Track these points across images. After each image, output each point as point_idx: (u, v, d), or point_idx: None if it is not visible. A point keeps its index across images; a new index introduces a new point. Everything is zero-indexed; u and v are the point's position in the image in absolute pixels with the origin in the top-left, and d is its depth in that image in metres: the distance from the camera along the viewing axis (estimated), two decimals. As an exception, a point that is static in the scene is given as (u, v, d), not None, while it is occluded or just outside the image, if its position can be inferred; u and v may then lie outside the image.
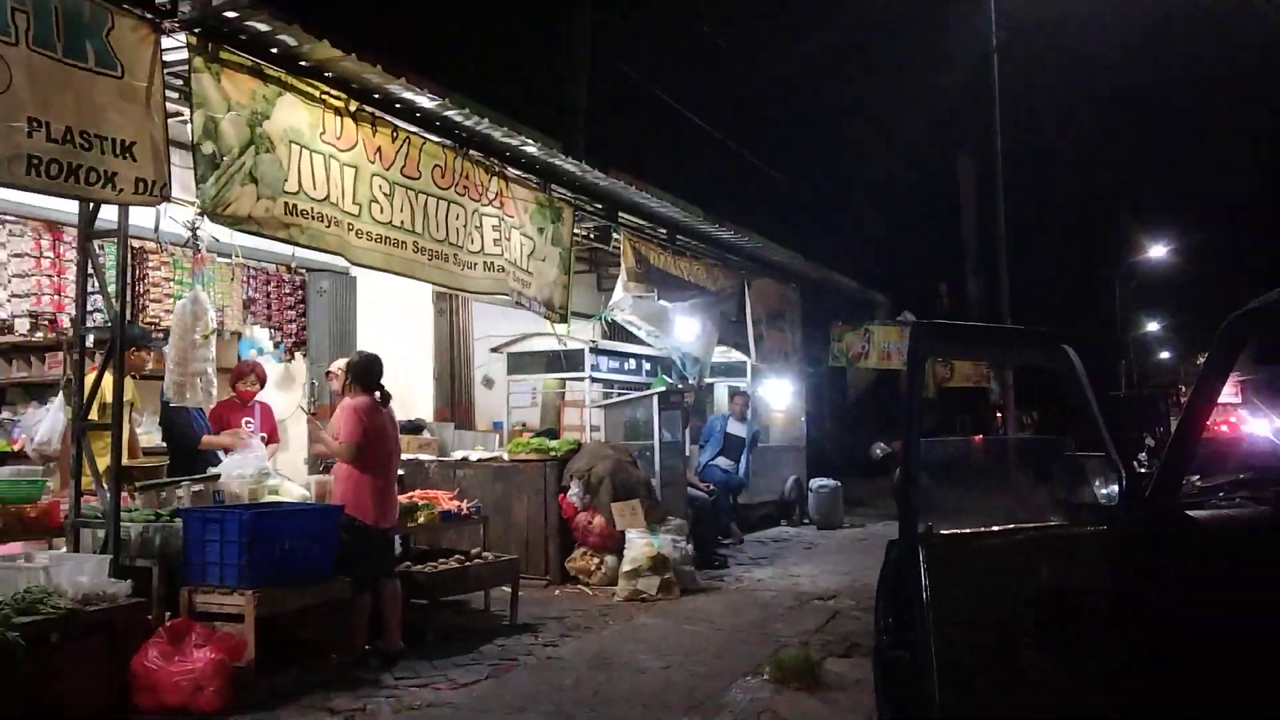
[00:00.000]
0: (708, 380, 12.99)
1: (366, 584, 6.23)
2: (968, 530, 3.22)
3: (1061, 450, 4.72)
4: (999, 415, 21.80)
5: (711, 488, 11.26)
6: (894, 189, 26.06)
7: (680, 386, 11.29)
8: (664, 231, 11.50)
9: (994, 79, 18.36)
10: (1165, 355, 49.54)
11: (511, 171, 8.66)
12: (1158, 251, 36.64)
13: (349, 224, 7.08)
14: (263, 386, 8.17)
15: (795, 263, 15.65)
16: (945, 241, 27.15)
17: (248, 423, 7.71)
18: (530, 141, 8.40)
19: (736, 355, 13.54)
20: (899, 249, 25.49)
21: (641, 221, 11.05)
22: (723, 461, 11.79)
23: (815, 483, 14.44)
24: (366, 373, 6.56)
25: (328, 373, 7.78)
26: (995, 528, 3.30)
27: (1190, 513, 3.54)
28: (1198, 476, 5.44)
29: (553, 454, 9.27)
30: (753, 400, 12.94)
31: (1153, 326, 45.61)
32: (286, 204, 6.53)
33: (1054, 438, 17.19)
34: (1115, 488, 3.45)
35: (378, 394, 6.54)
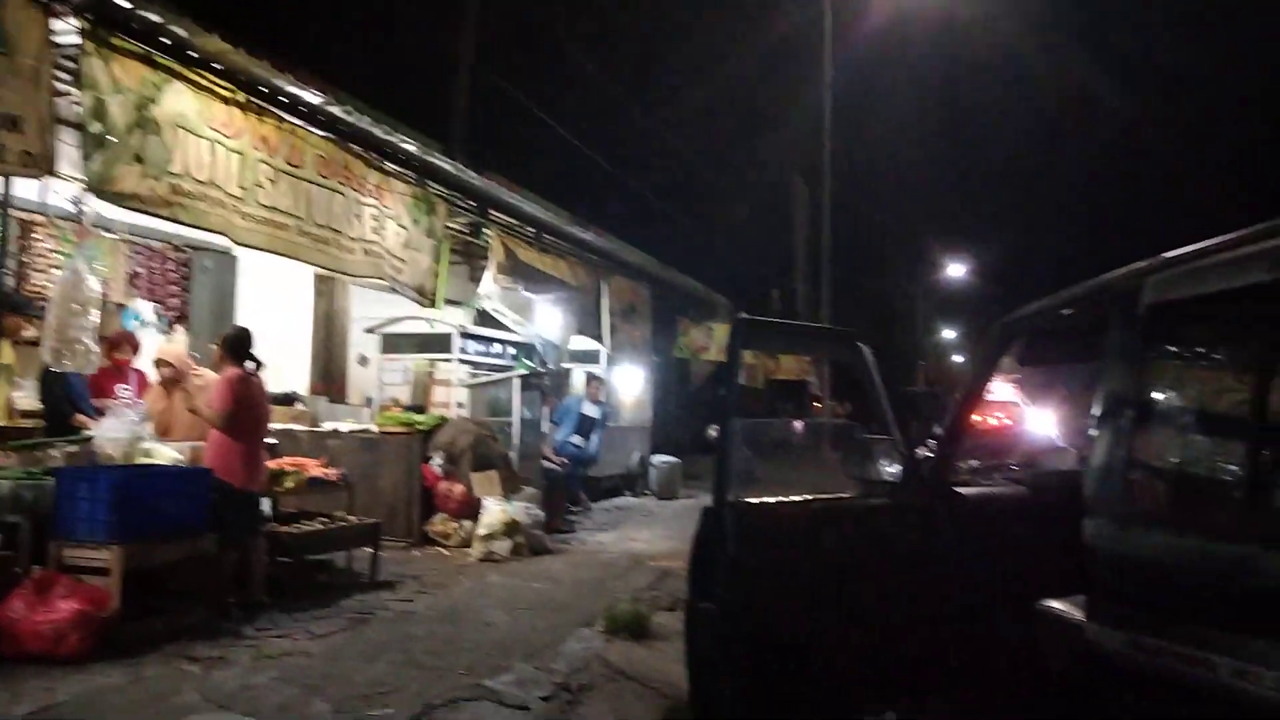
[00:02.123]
0: (566, 365, 12.98)
1: (232, 542, 5.99)
2: (770, 500, 3.30)
3: (854, 434, 4.89)
4: (817, 404, 22.51)
5: (565, 461, 11.27)
6: (738, 205, 26.58)
7: (541, 370, 11.24)
8: (532, 230, 11.42)
9: (826, 114, 18.88)
10: (958, 359, 52.14)
11: (390, 166, 8.45)
12: (956, 270, 38.51)
13: (234, 206, 6.78)
14: (137, 355, 7.71)
15: (649, 264, 15.79)
16: (780, 253, 27.85)
17: (124, 389, 7.28)
18: (408, 140, 8.22)
19: (593, 343, 13.57)
20: (740, 258, 26.02)
21: (511, 220, 10.94)
22: (576, 439, 11.79)
23: (657, 459, 14.61)
24: (238, 345, 6.31)
25: (156, 360, 7.16)
26: (794, 498, 3.40)
27: (959, 489, 3.74)
28: (977, 461, 5.74)
29: (419, 427, 9.09)
30: (605, 385, 12.99)
31: (949, 334, 47.88)
32: (171, 184, 6.22)
33: (850, 423, 17.93)
34: (898, 467, 3.59)
35: (248, 365, 6.27)
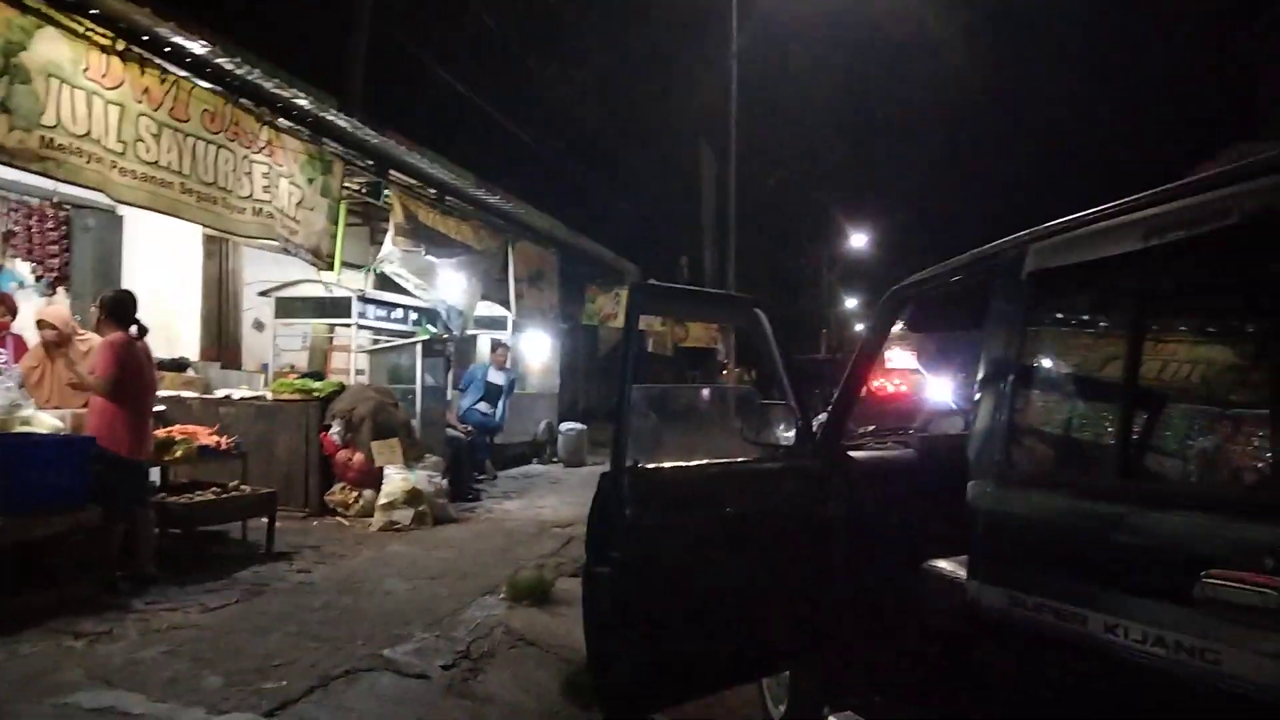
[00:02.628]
0: (471, 332, 12.81)
1: (119, 513, 5.76)
2: (668, 464, 3.32)
3: (752, 399, 4.95)
4: (725, 371, 22.79)
5: (470, 429, 11.16)
6: (647, 171, 26.52)
7: (444, 336, 11.08)
8: (434, 191, 11.19)
9: (732, 84, 18.93)
10: (860, 327, 53.38)
11: (283, 122, 8.16)
12: (859, 241, 39.31)
13: (112, 161, 6.45)
14: (14, 318, 7.30)
15: (556, 230, 15.66)
16: (688, 221, 27.95)
17: (-2, 354, 6.89)
18: (301, 95, 7.94)
19: (499, 310, 13.43)
20: (650, 225, 26.02)
21: (412, 181, 10.70)
22: (482, 406, 11.69)
23: (565, 426, 14.59)
24: (120, 308, 6.01)
25: (38, 321, 6.66)
26: (691, 463, 3.43)
27: (851, 452, 3.82)
28: (873, 425, 5.87)
29: (316, 394, 8.87)
30: (512, 352, 12.89)
31: (852, 303, 48.91)
32: (43, 137, 5.88)
33: (749, 389, 18.22)
34: (793, 431, 3.65)
35: (133, 329, 6.00)
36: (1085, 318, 2.73)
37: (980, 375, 2.72)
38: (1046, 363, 2.71)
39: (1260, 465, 2.41)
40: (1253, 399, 2.55)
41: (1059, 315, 2.72)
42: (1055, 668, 2.32)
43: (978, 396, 2.72)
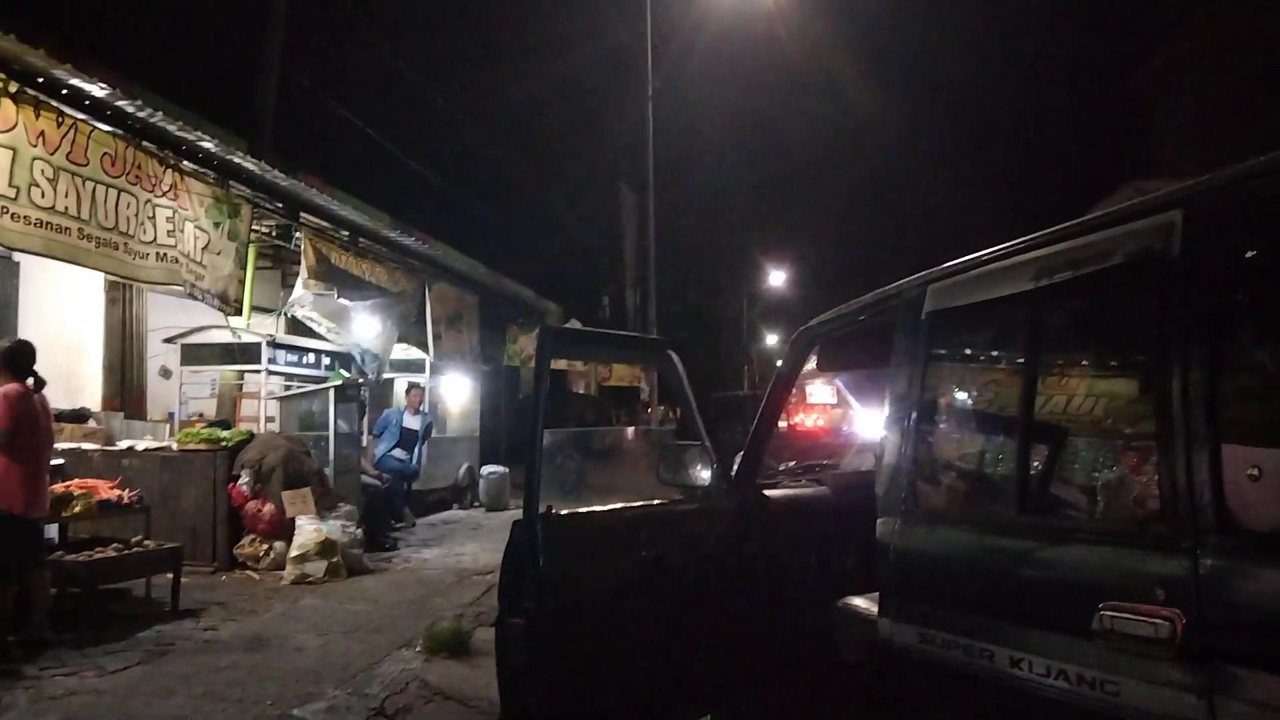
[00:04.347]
0: (387, 375, 12.59)
1: (11, 573, 5.47)
2: (582, 509, 3.29)
3: (668, 441, 4.96)
4: (649, 411, 22.80)
5: (386, 476, 10.94)
6: (568, 211, 26.64)
7: (358, 381, 10.87)
8: (347, 233, 11.03)
9: (649, 123, 19.18)
10: (780, 363, 53.95)
11: (188, 165, 7.97)
12: (778, 278, 39.95)
13: (3, 207, 6.21)
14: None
15: (476, 270, 15.56)
16: (610, 260, 28.08)
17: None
18: (207, 137, 7.78)
19: (416, 353, 13.24)
20: (571, 264, 26.06)
21: (324, 223, 10.53)
22: (398, 452, 11.47)
23: (486, 470, 14.40)
24: (17, 359, 5.76)
25: None
26: (607, 506, 3.40)
27: (766, 491, 3.85)
28: (793, 461, 5.92)
29: (224, 444, 8.59)
30: (427, 394, 12.71)
31: (773, 340, 49.55)
32: (-74, 181, 5.63)
33: (664, 429, 18.27)
34: (709, 471, 3.66)
35: (29, 381, 5.74)
36: (984, 355, 2.81)
37: (886, 413, 2.77)
38: (948, 400, 2.78)
39: (1154, 497, 2.49)
40: (1149, 431, 2.64)
41: (959, 353, 2.79)
42: (967, 704, 2.34)
43: (883, 434, 2.77)
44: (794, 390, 4.06)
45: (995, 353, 2.75)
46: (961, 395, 2.77)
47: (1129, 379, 2.74)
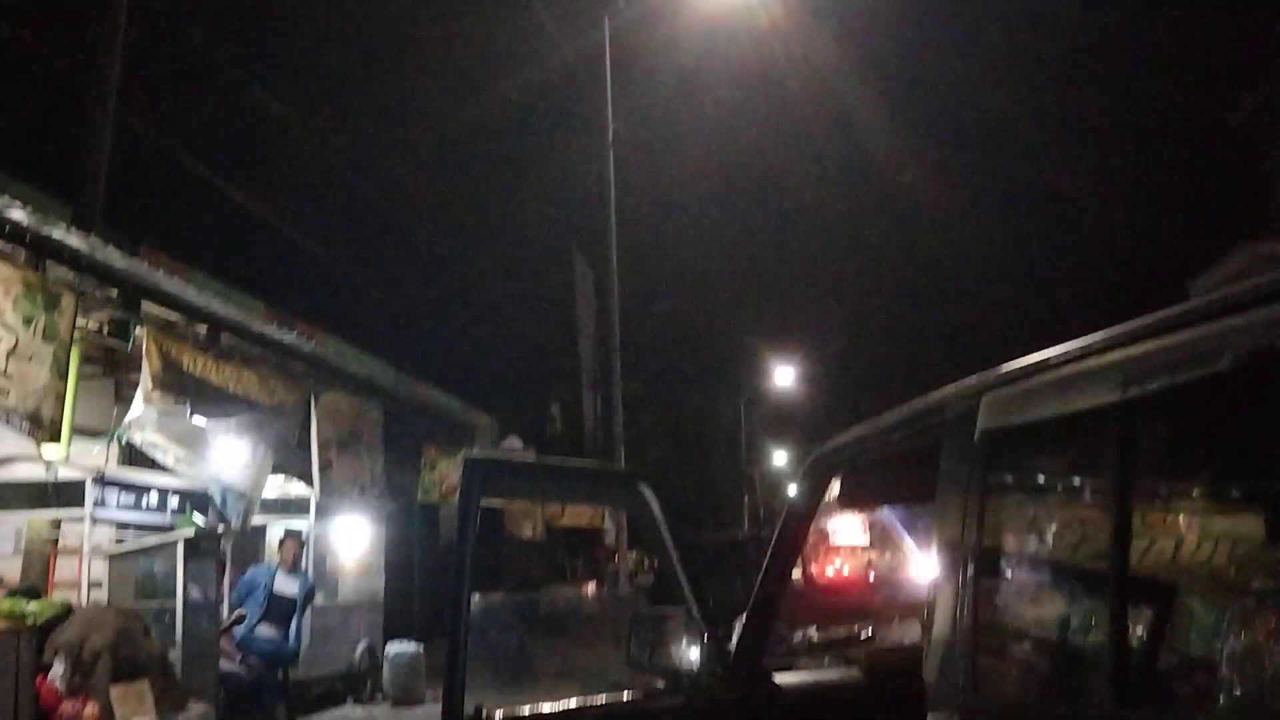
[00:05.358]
0: (257, 520, 12.45)
1: None
2: (526, 711, 3.22)
3: (640, 606, 4.91)
4: (614, 560, 22.64)
5: (253, 661, 10.72)
6: (505, 298, 26.90)
7: (217, 529, 10.75)
8: (204, 328, 11.03)
9: (609, 173, 19.57)
10: (793, 491, 53.90)
11: (-11, 243, 7.99)
12: (785, 376, 40.27)
13: None
14: None
15: (380, 375, 15.60)
16: (562, 356, 28.25)
17: None
18: (16, 203, 7.81)
19: (298, 487, 13.12)
20: (510, 361, 26.19)
21: (174, 315, 10.54)
22: (266, 628, 11.27)
23: (393, 648, 14.16)
24: None
25: None
26: (559, 705, 3.34)
27: (777, 677, 3.79)
28: (814, 626, 5.86)
29: (30, 621, 8.43)
30: (311, 544, 12.57)
31: (780, 458, 49.67)
32: None
33: (638, 586, 18.13)
34: (698, 650, 3.61)
35: None
36: (1061, 486, 2.81)
37: (933, 567, 2.75)
38: (1016, 547, 2.77)
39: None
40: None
41: (1027, 484, 2.79)
42: None
43: (932, 595, 2.75)
44: (811, 528, 4.04)
45: (1076, 482, 2.76)
46: (1033, 541, 2.76)
47: (1257, 514, 2.76)
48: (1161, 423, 2.36)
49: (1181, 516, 2.81)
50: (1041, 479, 2.80)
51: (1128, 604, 2.37)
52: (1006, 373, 2.61)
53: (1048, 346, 2.55)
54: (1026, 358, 2.59)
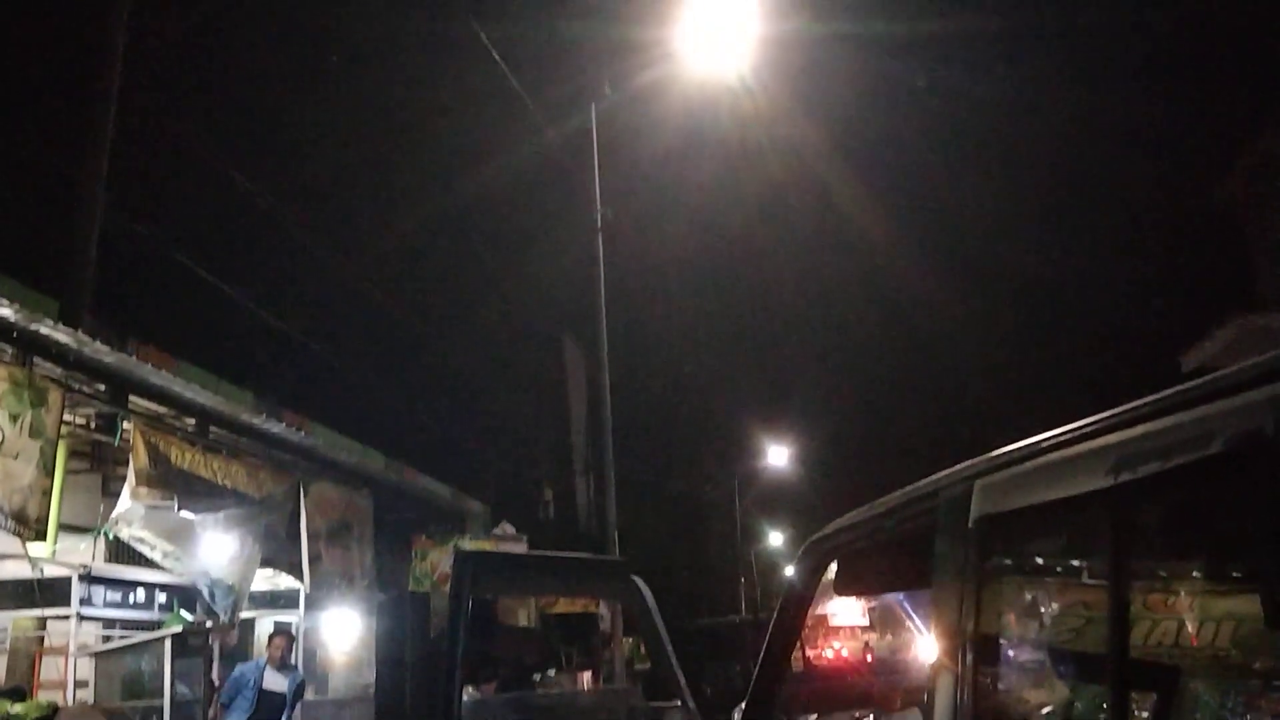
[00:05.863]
0: (246, 614, 12.33)
1: None
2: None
3: (629, 702, 4.86)
4: (612, 646, 22.35)
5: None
6: (497, 383, 26.92)
7: (205, 625, 10.63)
8: (193, 421, 11.02)
9: (599, 258, 19.69)
10: (790, 571, 53.48)
11: (-28, 340, 8.01)
12: (778, 456, 40.13)
13: None
14: None
15: (370, 463, 15.54)
16: (553, 441, 28.21)
17: None
18: (3, 301, 7.84)
19: (287, 580, 13.00)
20: (501, 448, 26.12)
21: (161, 408, 10.53)
22: (256, 728, 11.10)
23: (388, 745, 13.98)
24: None
25: None
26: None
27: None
28: (815, 717, 5.79)
29: (14, 723, 8.31)
30: (300, 639, 12.43)
31: (776, 539, 49.34)
32: None
33: (635, 676, 17.83)
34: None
35: None
36: (1058, 570, 2.81)
37: (931, 654, 2.73)
38: (1015, 633, 2.75)
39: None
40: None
41: (1022, 569, 2.78)
42: None
43: (931, 684, 2.72)
44: (809, 613, 4.01)
45: (1072, 566, 2.76)
46: (1032, 626, 2.75)
47: (1256, 595, 2.75)
48: (1155, 506, 2.36)
49: (1180, 599, 2.81)
50: (1037, 563, 2.80)
51: (1130, 688, 2.35)
52: (996, 458, 2.62)
53: (1041, 429, 2.56)
54: (1019, 443, 2.59)
